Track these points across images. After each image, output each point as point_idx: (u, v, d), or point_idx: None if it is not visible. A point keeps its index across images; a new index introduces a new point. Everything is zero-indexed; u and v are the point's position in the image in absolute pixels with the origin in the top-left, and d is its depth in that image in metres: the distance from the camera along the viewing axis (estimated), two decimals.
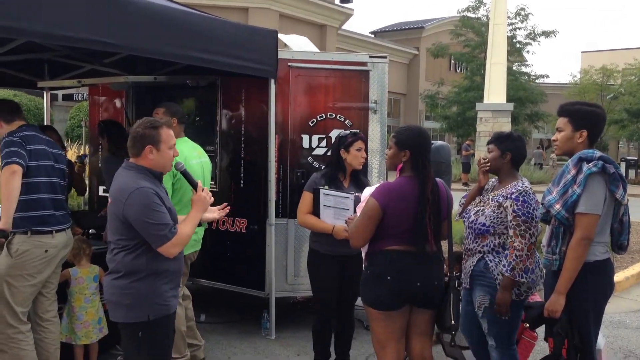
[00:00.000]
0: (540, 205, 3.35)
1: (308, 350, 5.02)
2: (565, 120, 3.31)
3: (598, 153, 3.19)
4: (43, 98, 6.97)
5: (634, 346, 5.43)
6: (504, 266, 3.46)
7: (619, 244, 3.29)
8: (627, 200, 3.23)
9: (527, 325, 3.70)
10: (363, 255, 3.59)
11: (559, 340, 3.14)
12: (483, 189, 3.80)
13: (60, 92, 17.25)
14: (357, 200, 3.90)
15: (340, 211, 4.09)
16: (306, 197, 4.27)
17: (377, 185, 3.68)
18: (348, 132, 4.41)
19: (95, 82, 6.26)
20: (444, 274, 3.51)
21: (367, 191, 3.59)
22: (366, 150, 4.36)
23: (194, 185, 3.27)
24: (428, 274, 3.39)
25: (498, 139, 3.74)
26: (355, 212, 3.82)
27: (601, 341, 3.78)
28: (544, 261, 3.34)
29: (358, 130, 4.53)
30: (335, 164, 4.30)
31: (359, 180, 4.36)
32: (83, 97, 16.40)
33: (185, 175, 3.33)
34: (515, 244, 3.43)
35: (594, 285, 3.17)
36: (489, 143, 3.80)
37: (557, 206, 3.17)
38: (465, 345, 4.58)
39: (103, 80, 6.06)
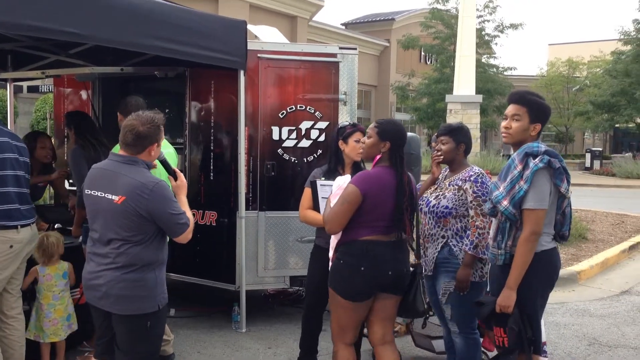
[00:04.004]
0: (488, 200, 3.38)
1: (279, 343, 5.03)
2: (524, 110, 3.25)
3: (543, 147, 3.20)
4: (6, 90, 6.80)
5: (598, 333, 5.56)
6: (466, 245, 3.64)
7: (561, 234, 3.34)
8: (571, 193, 3.28)
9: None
10: (332, 245, 3.60)
11: (512, 335, 3.17)
12: (437, 180, 3.90)
13: (25, 84, 16.90)
14: None
15: None
16: (306, 193, 4.16)
17: (347, 175, 3.72)
18: (347, 122, 4.33)
19: (60, 73, 6.14)
20: (409, 260, 3.61)
21: (340, 180, 3.61)
22: None
23: (172, 173, 3.34)
24: (399, 262, 3.50)
25: (452, 131, 3.87)
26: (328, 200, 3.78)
27: (543, 333, 3.86)
28: (490, 255, 3.37)
29: (356, 122, 4.45)
30: (334, 156, 4.19)
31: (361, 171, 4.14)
32: (49, 89, 16.08)
33: (164, 164, 3.37)
34: (477, 223, 3.62)
35: (541, 275, 3.22)
36: (440, 135, 3.88)
37: (505, 202, 3.18)
38: (435, 335, 4.65)
39: (68, 72, 5.94)
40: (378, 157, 3.51)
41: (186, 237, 3.15)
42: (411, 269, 3.66)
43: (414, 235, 3.78)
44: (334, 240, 3.58)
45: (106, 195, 3.06)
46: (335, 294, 3.49)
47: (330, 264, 3.63)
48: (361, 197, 3.35)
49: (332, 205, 3.48)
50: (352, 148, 4.10)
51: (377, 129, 3.50)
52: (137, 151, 3.13)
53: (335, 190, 3.56)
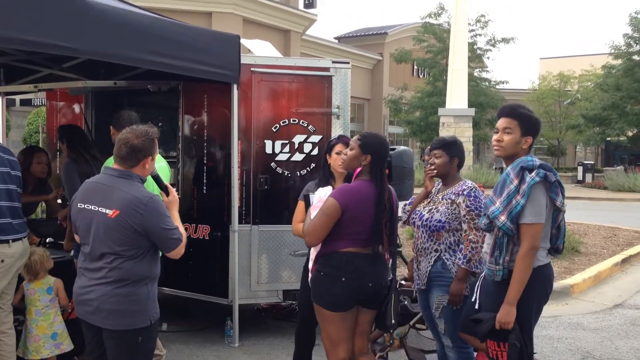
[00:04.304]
0: (483, 215, 3.38)
1: (272, 358, 5.00)
2: (516, 123, 3.27)
3: (537, 161, 3.21)
4: None
5: (591, 347, 5.55)
6: (459, 259, 3.64)
7: (556, 247, 3.35)
8: (566, 206, 3.29)
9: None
10: (311, 257, 3.61)
11: (514, 351, 3.15)
12: (430, 194, 3.90)
13: (17, 97, 16.86)
14: None
15: None
16: (299, 206, 4.17)
17: (328, 187, 3.73)
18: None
19: (53, 87, 6.13)
20: (387, 274, 3.63)
21: (321, 192, 3.63)
22: None
23: (164, 189, 3.33)
24: (378, 275, 3.52)
25: (445, 145, 3.88)
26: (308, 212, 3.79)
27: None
28: (487, 271, 3.34)
29: (343, 135, 4.46)
30: (323, 169, 4.24)
31: None
32: (42, 102, 16.05)
33: (157, 179, 3.36)
34: (470, 237, 3.63)
35: (538, 290, 3.23)
36: (434, 149, 3.88)
37: (503, 218, 3.17)
38: (428, 349, 4.64)
39: (61, 85, 5.93)
40: (359, 169, 3.53)
41: (179, 252, 3.14)
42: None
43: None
44: (313, 253, 3.59)
45: (100, 209, 3.04)
46: (319, 308, 3.49)
47: (310, 275, 3.64)
48: (341, 211, 3.37)
49: (311, 217, 3.48)
50: (333, 160, 4.12)
51: (359, 142, 3.51)
52: (131, 164, 3.12)
53: (316, 202, 3.57)
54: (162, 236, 3.06)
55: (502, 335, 3.18)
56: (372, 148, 3.47)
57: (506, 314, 3.14)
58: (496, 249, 3.24)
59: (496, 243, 3.24)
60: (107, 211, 3.01)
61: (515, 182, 3.17)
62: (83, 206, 3.13)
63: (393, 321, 3.57)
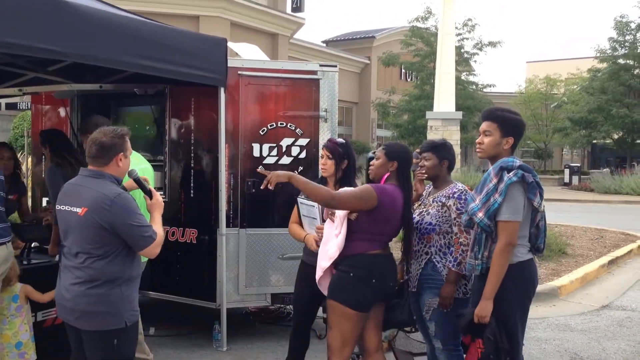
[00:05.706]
0: (465, 213, 3.47)
1: None
2: (495, 126, 3.38)
3: (517, 162, 3.30)
4: None
5: (579, 348, 5.58)
6: (449, 262, 3.68)
7: (536, 246, 3.42)
8: (544, 207, 3.37)
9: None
10: (325, 257, 3.63)
11: (489, 344, 3.22)
12: (420, 196, 3.92)
13: (2, 101, 16.72)
14: (322, 210, 3.87)
15: (312, 220, 4.01)
16: (296, 207, 4.25)
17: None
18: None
19: (38, 91, 6.08)
20: None
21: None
22: (335, 158, 4.06)
23: (147, 191, 3.33)
24: (394, 274, 3.72)
25: (435, 148, 3.93)
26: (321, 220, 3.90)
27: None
28: (467, 265, 3.45)
29: (330, 138, 4.47)
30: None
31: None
32: (27, 106, 15.91)
33: (139, 182, 3.35)
34: (461, 240, 3.67)
35: (518, 285, 3.29)
36: (423, 151, 3.93)
37: (480, 214, 3.28)
38: (417, 352, 4.64)
39: (46, 89, 5.89)
40: (386, 175, 3.66)
41: (152, 251, 3.13)
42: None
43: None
44: (335, 252, 3.57)
45: (72, 208, 3.08)
46: (342, 307, 3.52)
47: (318, 276, 3.67)
48: (375, 203, 3.48)
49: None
50: (321, 164, 4.16)
51: (384, 150, 3.70)
52: (104, 162, 3.13)
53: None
54: (130, 233, 3.04)
55: (480, 330, 3.25)
56: (397, 154, 3.67)
57: (483, 308, 3.23)
58: (475, 244, 3.35)
59: (475, 239, 3.35)
60: (77, 210, 3.04)
61: (495, 180, 3.28)
62: (59, 207, 3.17)
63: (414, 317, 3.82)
